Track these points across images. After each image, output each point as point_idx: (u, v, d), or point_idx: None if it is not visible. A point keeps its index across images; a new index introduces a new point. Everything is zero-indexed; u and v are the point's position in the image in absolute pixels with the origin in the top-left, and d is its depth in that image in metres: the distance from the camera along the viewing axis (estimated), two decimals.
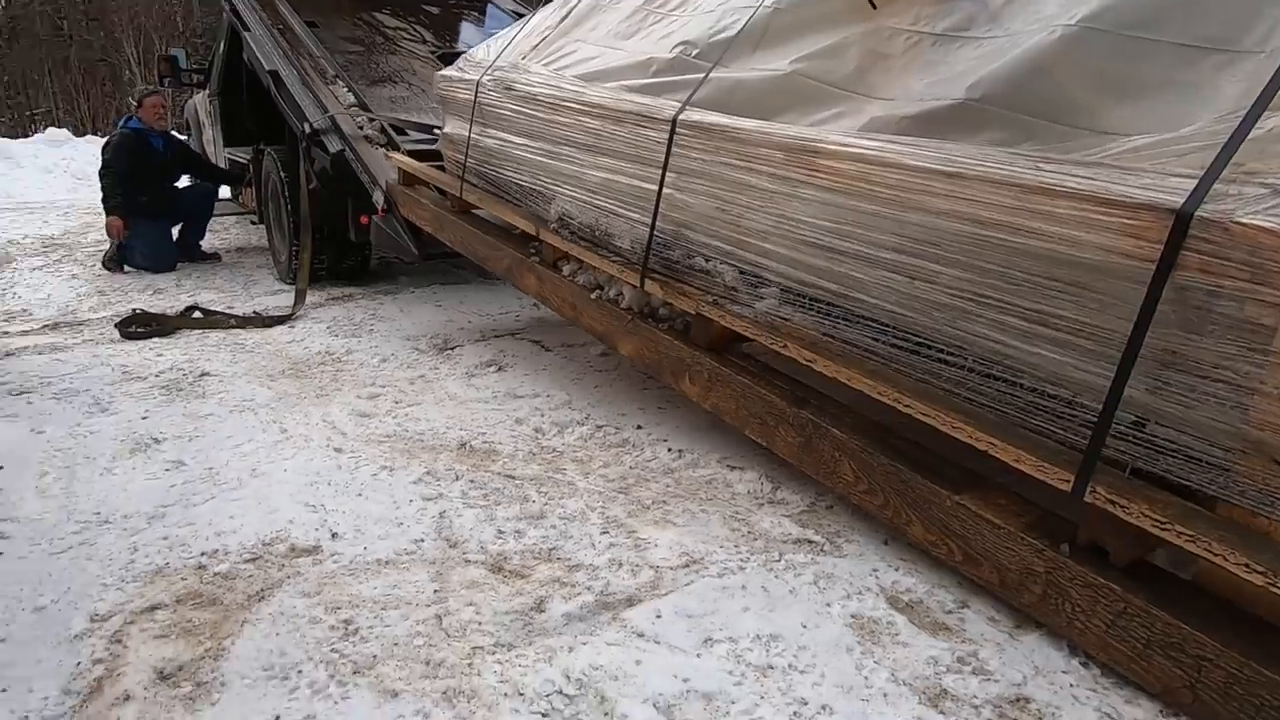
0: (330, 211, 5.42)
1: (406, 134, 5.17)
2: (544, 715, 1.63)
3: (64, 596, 2.09)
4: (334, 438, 3.07)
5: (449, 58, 6.40)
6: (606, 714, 1.62)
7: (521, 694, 1.68)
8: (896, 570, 2.03)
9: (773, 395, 2.39)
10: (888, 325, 2.12)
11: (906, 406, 1.97)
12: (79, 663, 1.85)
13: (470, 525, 2.36)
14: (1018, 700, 1.62)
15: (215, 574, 2.16)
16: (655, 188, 2.74)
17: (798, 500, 2.39)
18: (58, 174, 12.89)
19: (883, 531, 2.18)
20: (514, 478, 2.68)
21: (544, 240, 3.40)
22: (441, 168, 4.43)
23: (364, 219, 5.17)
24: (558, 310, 3.42)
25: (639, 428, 3.01)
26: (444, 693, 1.69)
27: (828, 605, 1.91)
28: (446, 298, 5.40)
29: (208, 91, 8.29)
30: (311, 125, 5.07)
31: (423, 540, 2.29)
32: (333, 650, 1.83)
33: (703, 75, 2.69)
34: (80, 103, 18.88)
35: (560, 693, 1.67)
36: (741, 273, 2.57)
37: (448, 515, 2.43)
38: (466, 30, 6.94)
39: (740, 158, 2.43)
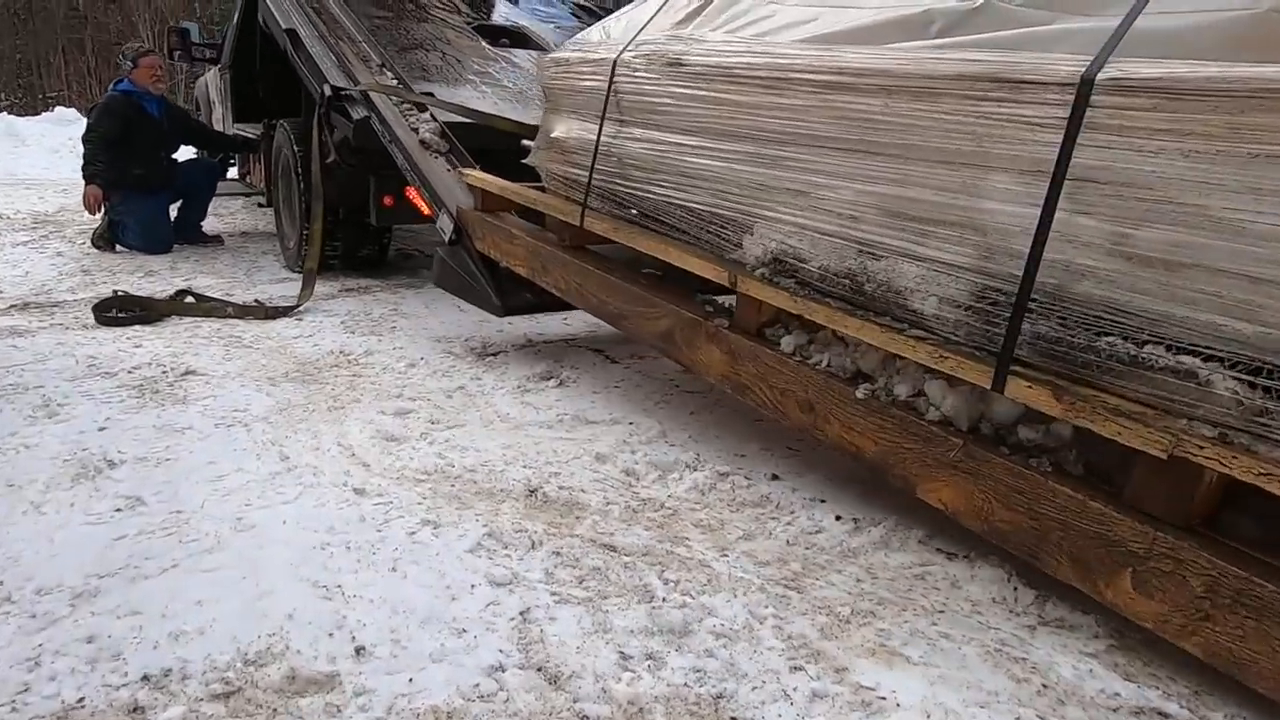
0: (348, 190, 4.45)
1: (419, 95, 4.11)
2: None
3: None
4: (353, 471, 2.11)
5: (485, 30, 5.47)
6: None
7: None
8: None
9: None
10: None
11: None
12: None
13: (574, 640, 1.41)
14: None
15: None
16: (1027, 209, 1.47)
17: (1086, 621, 1.46)
18: (64, 154, 11.74)
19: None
20: (616, 550, 1.74)
21: (742, 294, 2.07)
22: (539, 188, 3.14)
23: (387, 199, 4.22)
24: (770, 408, 2.00)
25: (775, 478, 2.07)
26: None
27: None
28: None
29: (220, 67, 7.31)
30: (332, 87, 4.11)
31: (503, 669, 1.34)
32: None
33: (1117, 18, 1.42)
34: (92, 85, 17.58)
35: None
36: (1265, 377, 1.26)
37: (534, 617, 1.48)
38: (502, 5, 5.99)
39: None
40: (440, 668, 1.34)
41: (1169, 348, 1.35)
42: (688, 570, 1.64)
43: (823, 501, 1.93)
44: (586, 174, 2.69)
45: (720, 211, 2.18)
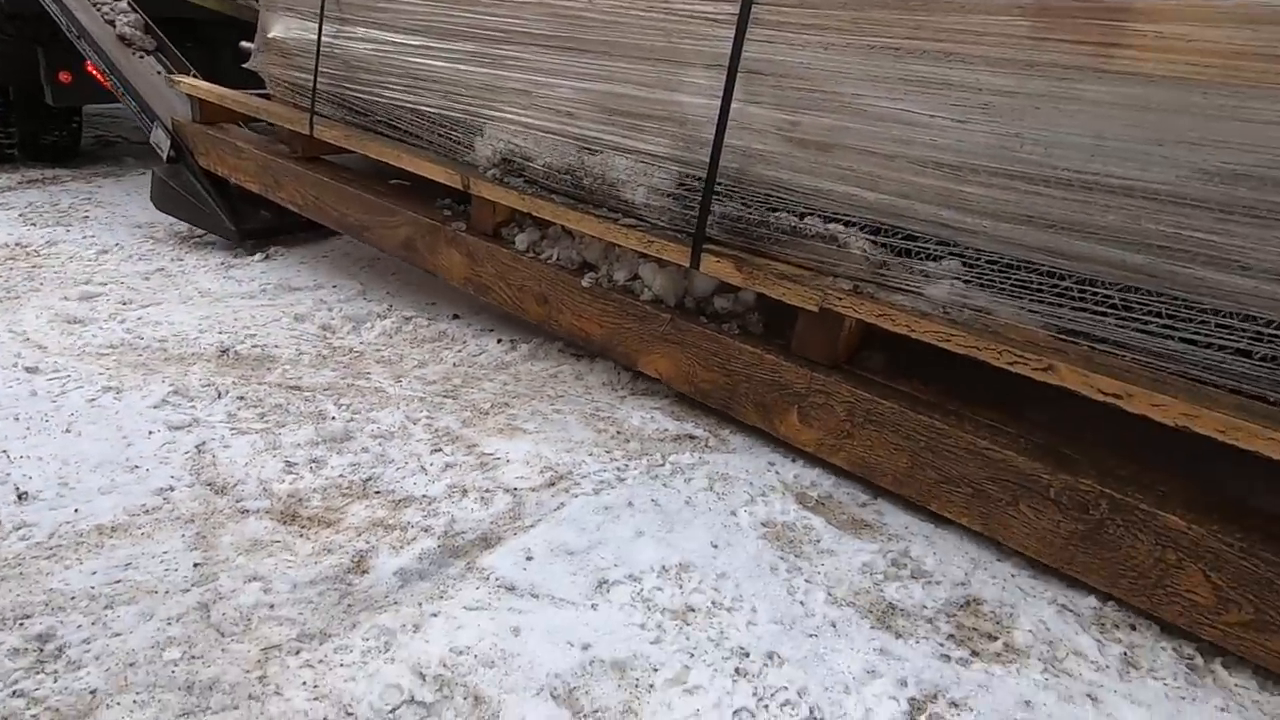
0: (14, 65, 3.71)
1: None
2: None
3: None
4: (26, 353, 1.98)
5: None
6: None
7: (350, 714, 1.00)
8: (794, 462, 1.57)
9: (1012, 455, 1.33)
10: None
11: None
12: None
13: (244, 459, 1.53)
14: (968, 604, 1.24)
15: None
16: (710, 100, 1.56)
17: (660, 389, 1.83)
18: None
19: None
20: (300, 389, 1.84)
21: (476, 196, 2.03)
22: (264, 94, 2.79)
23: (64, 75, 3.61)
24: (510, 305, 2.02)
25: (456, 317, 2.25)
26: None
27: (733, 515, 1.40)
28: None
29: None
30: None
31: (171, 488, 1.43)
32: (15, 694, 1.00)
33: None
34: None
35: (413, 701, 1.01)
36: (884, 236, 1.49)
37: (209, 448, 1.57)
38: None
39: (922, 32, 1.34)
40: (109, 498, 1.40)
41: (822, 218, 1.54)
42: (362, 396, 1.80)
43: (491, 331, 2.15)
44: (311, 78, 2.45)
45: (450, 114, 2.11)
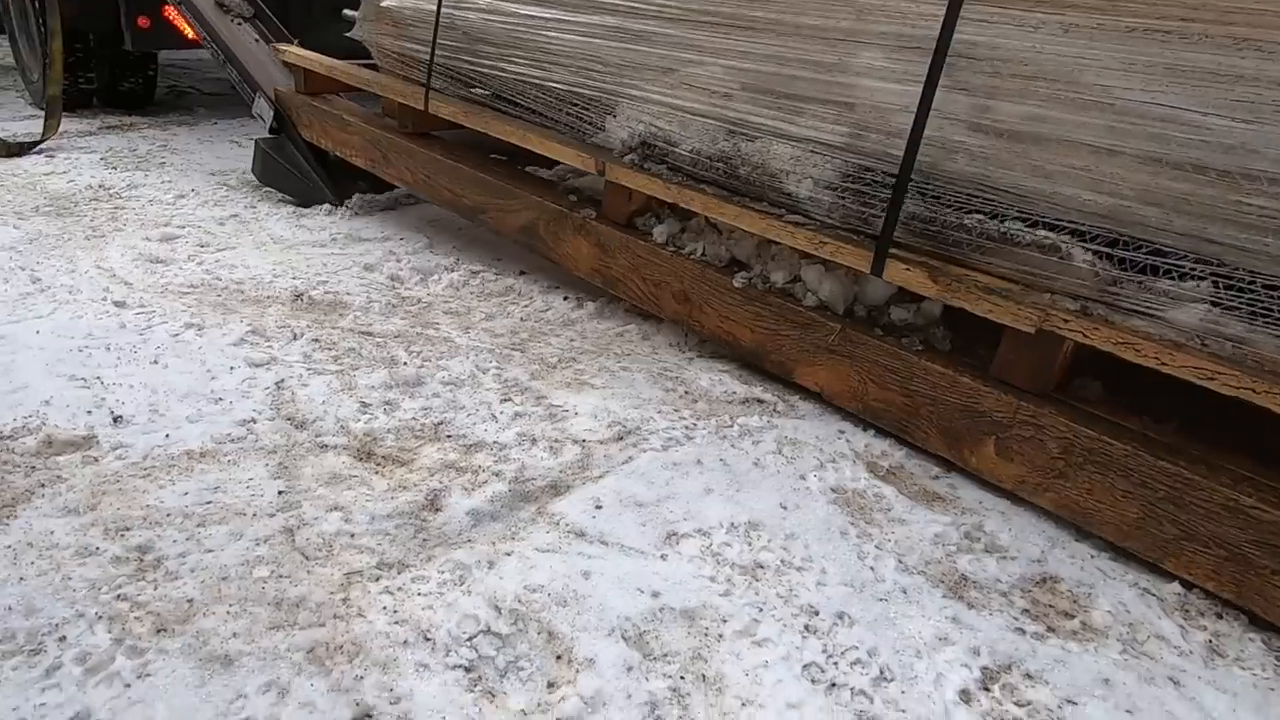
0: (94, 9, 3.85)
1: None
2: (468, 670, 1.01)
3: None
4: (114, 288, 2.08)
5: None
6: (560, 658, 1.03)
7: (429, 639, 1.05)
8: (866, 431, 1.56)
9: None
10: None
11: None
12: None
13: (322, 397, 1.60)
14: (1045, 581, 1.23)
15: None
16: (908, 86, 1.38)
17: (728, 353, 1.84)
18: None
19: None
20: (372, 335, 1.90)
21: (610, 182, 1.88)
22: (371, 65, 2.72)
23: (142, 20, 3.73)
24: (644, 301, 1.86)
25: (522, 273, 2.28)
26: (309, 651, 1.02)
27: (802, 479, 1.40)
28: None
29: None
30: None
31: (254, 420, 1.50)
32: (119, 598, 1.08)
33: None
34: None
35: (488, 632, 1.06)
36: (1120, 249, 1.28)
37: (288, 385, 1.64)
38: None
39: (1204, 14, 1.15)
40: (196, 426, 1.48)
41: (1031, 223, 1.34)
42: (432, 344, 1.85)
43: (557, 288, 2.18)
44: (428, 50, 2.32)
45: (581, 91, 1.96)
